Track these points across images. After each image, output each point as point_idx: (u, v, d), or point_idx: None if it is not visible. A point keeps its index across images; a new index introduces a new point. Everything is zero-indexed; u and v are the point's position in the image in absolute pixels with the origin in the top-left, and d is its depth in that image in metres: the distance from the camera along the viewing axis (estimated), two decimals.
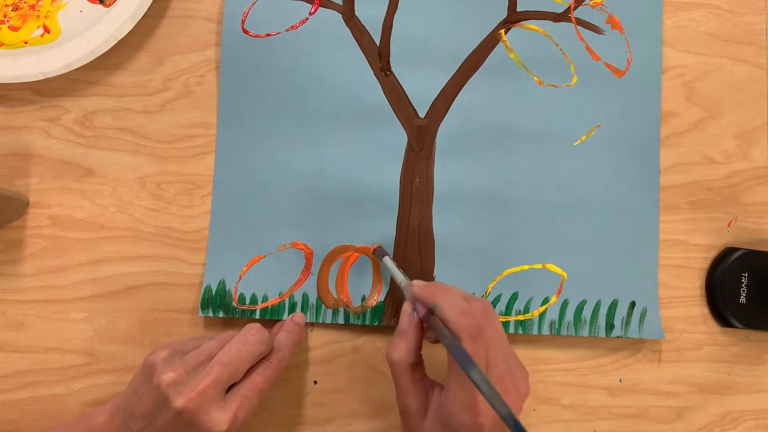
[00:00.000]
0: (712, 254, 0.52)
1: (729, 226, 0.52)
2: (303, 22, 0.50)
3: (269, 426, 0.49)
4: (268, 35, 0.50)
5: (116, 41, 0.48)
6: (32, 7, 0.49)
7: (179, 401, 0.38)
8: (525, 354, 0.50)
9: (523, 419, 0.50)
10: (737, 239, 0.52)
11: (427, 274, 0.49)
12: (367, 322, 0.49)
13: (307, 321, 0.48)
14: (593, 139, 0.51)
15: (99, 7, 0.49)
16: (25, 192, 0.49)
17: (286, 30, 0.50)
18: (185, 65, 0.50)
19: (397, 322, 0.43)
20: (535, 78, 0.51)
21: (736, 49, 0.53)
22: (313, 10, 0.50)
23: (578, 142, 0.51)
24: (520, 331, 0.49)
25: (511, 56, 0.51)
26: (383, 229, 0.49)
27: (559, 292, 0.50)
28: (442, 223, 0.50)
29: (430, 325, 0.40)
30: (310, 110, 0.50)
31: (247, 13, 0.50)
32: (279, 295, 0.49)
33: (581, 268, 0.50)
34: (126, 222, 0.49)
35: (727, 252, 0.51)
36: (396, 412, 0.44)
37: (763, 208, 0.52)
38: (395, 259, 0.49)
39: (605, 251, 0.50)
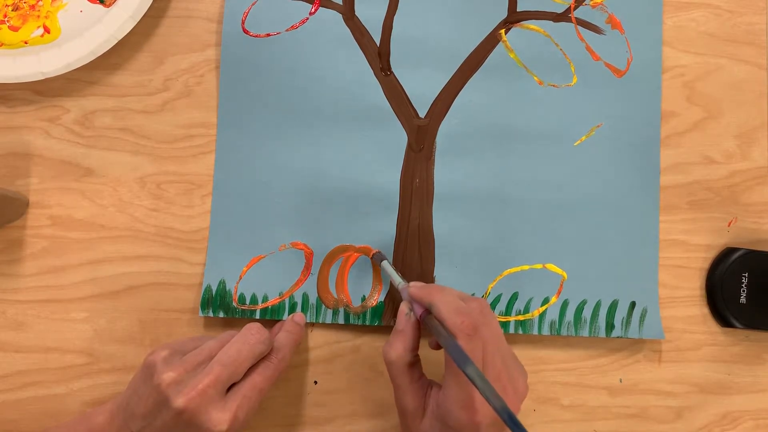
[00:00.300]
0: (712, 254, 0.52)
1: (729, 226, 0.52)
2: (303, 22, 0.50)
3: (269, 426, 0.49)
4: (268, 35, 0.50)
5: (116, 41, 0.48)
6: (32, 7, 0.49)
7: (179, 401, 0.38)
8: (525, 354, 0.50)
9: (523, 419, 0.50)
10: (737, 239, 0.52)
11: (427, 274, 0.49)
12: (367, 322, 0.49)
13: (307, 321, 0.48)
14: (593, 139, 0.51)
15: (99, 7, 0.49)
16: (25, 192, 0.49)
17: (286, 30, 0.50)
18: (185, 65, 0.50)
19: None
20: (535, 78, 0.51)
21: (736, 49, 0.53)
22: (313, 10, 0.50)
23: (578, 142, 0.51)
24: (520, 331, 0.49)
25: (511, 56, 0.51)
26: (383, 229, 0.49)
27: (559, 292, 0.50)
28: (442, 223, 0.50)
29: (427, 324, 0.40)
30: (310, 110, 0.50)
31: (247, 13, 0.50)
32: (279, 295, 0.49)
33: (581, 268, 0.50)
34: (126, 222, 0.49)
35: (727, 252, 0.51)
36: (396, 412, 0.44)
37: (763, 208, 0.52)
38: (395, 258, 0.49)
39: (605, 251, 0.50)
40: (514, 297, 0.50)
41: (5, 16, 0.49)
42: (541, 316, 0.50)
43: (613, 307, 0.50)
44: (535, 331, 0.49)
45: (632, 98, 0.51)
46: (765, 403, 0.51)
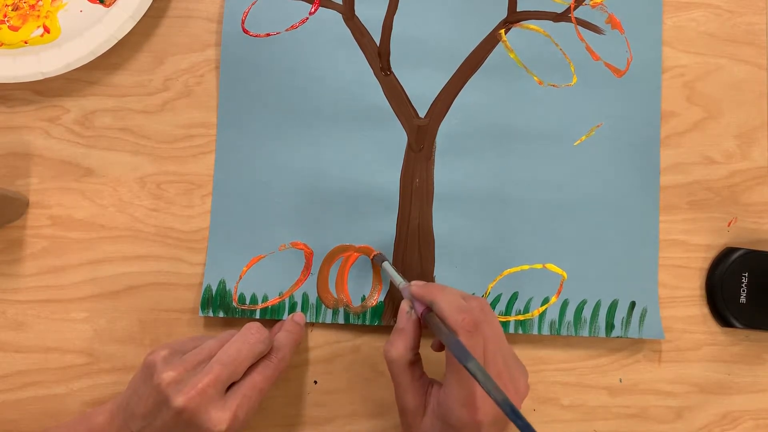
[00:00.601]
0: (712, 254, 0.52)
1: (729, 226, 0.52)
2: (303, 22, 0.50)
3: (269, 426, 0.49)
4: (268, 35, 0.50)
5: (116, 41, 0.48)
6: (32, 7, 0.49)
7: (179, 400, 0.38)
8: (525, 354, 0.50)
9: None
10: (737, 239, 0.52)
11: (427, 274, 0.49)
12: (367, 322, 0.49)
13: (307, 321, 0.48)
14: (593, 139, 0.51)
15: (99, 7, 0.49)
16: (25, 192, 0.49)
17: (286, 30, 0.50)
18: (185, 65, 0.50)
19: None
20: (535, 78, 0.51)
21: (736, 49, 0.53)
22: (313, 10, 0.50)
23: (578, 142, 0.51)
24: (520, 331, 0.49)
25: (511, 56, 0.51)
26: (383, 229, 0.49)
27: (559, 292, 0.50)
28: (442, 223, 0.50)
29: (428, 322, 0.40)
30: (310, 110, 0.50)
31: (247, 13, 0.50)
32: (279, 295, 0.49)
33: (581, 268, 0.50)
34: (126, 222, 0.49)
35: (727, 252, 0.51)
36: (396, 411, 0.44)
37: (763, 208, 0.52)
38: (395, 258, 0.49)
39: (605, 251, 0.50)
40: (514, 297, 0.50)
41: (5, 16, 0.49)
42: (541, 316, 0.50)
43: (613, 307, 0.50)
44: (535, 331, 0.49)
45: (632, 98, 0.51)
46: (765, 403, 0.51)
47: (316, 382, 0.49)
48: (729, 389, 0.51)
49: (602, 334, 0.50)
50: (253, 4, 0.50)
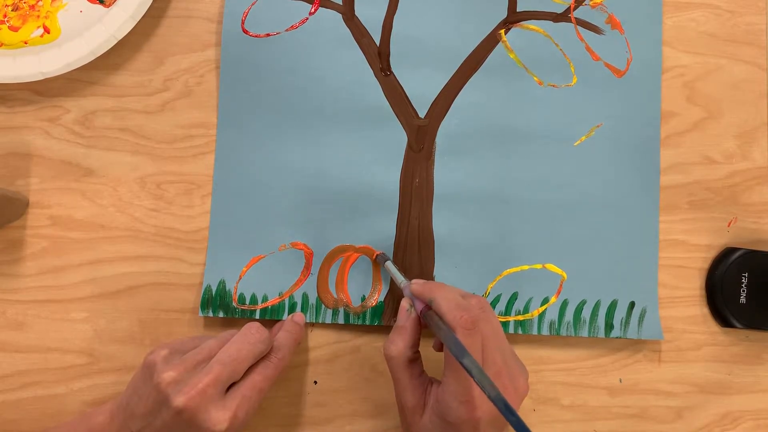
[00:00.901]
0: (712, 254, 0.52)
1: (729, 226, 0.52)
2: (303, 22, 0.50)
3: (269, 426, 0.49)
4: (268, 35, 0.50)
5: (116, 41, 0.48)
6: (32, 7, 0.49)
7: (179, 400, 0.38)
8: (525, 354, 0.50)
9: (523, 419, 0.49)
10: (737, 239, 0.52)
11: (427, 274, 0.49)
12: (367, 322, 0.49)
13: (307, 321, 0.48)
14: (593, 139, 0.51)
15: (99, 7, 0.49)
16: (25, 192, 0.49)
17: (286, 30, 0.50)
18: (185, 65, 0.50)
19: None
20: (535, 78, 0.51)
21: (736, 49, 0.53)
22: (313, 10, 0.50)
23: (578, 142, 0.51)
24: (520, 331, 0.49)
25: (511, 56, 0.51)
26: (383, 229, 0.49)
27: (559, 292, 0.50)
28: (442, 223, 0.50)
29: (427, 319, 0.40)
30: (310, 110, 0.50)
31: (247, 13, 0.50)
32: (279, 295, 0.49)
33: (581, 268, 0.50)
34: (126, 222, 0.49)
35: (727, 252, 0.51)
36: (396, 411, 0.44)
37: (763, 208, 0.52)
38: (395, 259, 0.49)
39: (605, 251, 0.50)
40: (514, 297, 0.50)
41: (5, 16, 0.49)
42: (541, 316, 0.50)
43: (612, 307, 0.50)
44: (535, 331, 0.49)
45: (632, 98, 0.51)
46: (765, 403, 0.51)
47: (316, 382, 0.49)
48: (729, 389, 0.51)
49: (601, 334, 0.50)
50: (253, 4, 0.50)
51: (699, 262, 0.51)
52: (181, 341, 0.42)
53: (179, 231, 0.49)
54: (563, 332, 0.49)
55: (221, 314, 0.48)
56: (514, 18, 0.51)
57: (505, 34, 0.51)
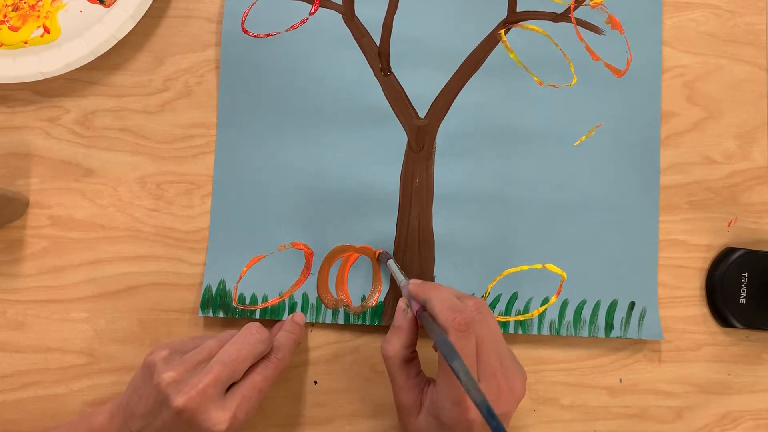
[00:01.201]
0: (712, 254, 0.52)
1: (729, 226, 0.52)
2: (303, 22, 0.50)
3: (269, 426, 0.49)
4: (268, 35, 0.50)
5: (116, 41, 0.48)
6: (32, 7, 0.49)
7: (179, 400, 0.38)
8: (525, 354, 0.50)
9: (523, 419, 0.50)
10: (737, 239, 0.52)
11: (426, 275, 0.49)
12: (367, 322, 0.49)
13: (307, 321, 0.48)
14: (593, 139, 0.51)
15: (99, 7, 0.49)
16: (25, 192, 0.49)
17: (286, 30, 0.50)
18: (185, 65, 0.50)
19: None
20: (535, 78, 0.51)
21: (736, 49, 0.53)
22: (313, 10, 0.50)
23: (578, 142, 0.51)
24: (520, 331, 0.49)
25: (511, 56, 0.51)
26: (383, 229, 0.49)
27: (559, 292, 0.50)
28: (442, 223, 0.50)
29: (422, 320, 0.40)
30: (310, 110, 0.50)
31: (247, 13, 0.50)
32: (279, 295, 0.49)
33: (581, 268, 0.50)
34: (126, 222, 0.49)
35: (727, 252, 0.51)
36: (396, 411, 0.44)
37: (763, 208, 0.52)
38: (395, 259, 0.49)
39: (605, 251, 0.50)
40: (514, 297, 0.50)
41: (5, 16, 0.49)
42: (541, 316, 0.50)
43: (612, 307, 0.50)
44: (535, 331, 0.49)
45: (632, 98, 0.51)
46: (765, 403, 0.51)
47: (316, 382, 0.49)
48: (729, 389, 0.51)
49: (601, 334, 0.50)
50: (253, 4, 0.50)
51: (699, 262, 0.51)
52: (181, 341, 0.42)
53: (179, 231, 0.49)
54: (563, 332, 0.49)
55: (221, 314, 0.48)
56: (514, 18, 0.51)
57: (505, 34, 0.51)
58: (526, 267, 0.50)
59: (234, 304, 0.48)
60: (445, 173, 0.50)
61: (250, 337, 0.42)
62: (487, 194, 0.50)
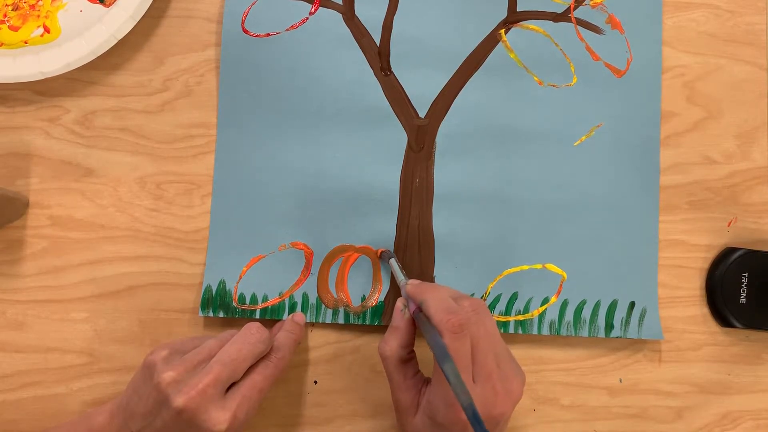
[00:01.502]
0: (712, 254, 0.52)
1: (729, 226, 0.52)
2: (303, 22, 0.50)
3: (269, 426, 0.49)
4: (268, 35, 0.50)
5: (116, 41, 0.48)
6: (32, 7, 0.49)
7: (179, 400, 0.38)
8: (525, 354, 0.50)
9: (523, 419, 0.50)
10: (737, 239, 0.52)
11: (426, 275, 0.49)
12: (367, 322, 0.49)
13: (307, 321, 0.48)
14: (593, 139, 0.51)
15: (99, 7, 0.49)
16: (25, 192, 0.49)
17: (286, 30, 0.50)
18: (185, 65, 0.50)
19: None
20: (535, 78, 0.51)
21: (736, 49, 0.53)
22: (313, 10, 0.50)
23: (578, 142, 0.51)
24: (520, 331, 0.49)
25: (511, 56, 0.51)
26: (383, 229, 0.49)
27: (559, 292, 0.50)
28: (442, 223, 0.50)
29: (417, 321, 0.40)
30: (310, 110, 0.50)
31: (247, 13, 0.50)
32: (279, 295, 0.49)
33: (581, 268, 0.50)
34: (126, 222, 0.49)
35: (727, 252, 0.51)
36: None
37: (763, 208, 0.52)
38: (397, 258, 0.49)
39: (605, 251, 0.50)
40: (514, 297, 0.50)
41: (5, 16, 0.49)
42: (541, 316, 0.50)
43: (612, 307, 0.50)
44: (535, 331, 0.49)
45: (632, 98, 0.51)
46: (765, 403, 0.51)
47: (316, 382, 0.49)
48: (729, 389, 0.51)
49: (601, 334, 0.50)
50: (253, 4, 0.50)
51: (699, 262, 0.51)
52: (182, 341, 0.42)
53: (179, 231, 0.49)
54: (563, 332, 0.49)
55: (221, 314, 0.48)
56: (514, 18, 0.51)
57: (505, 34, 0.51)
58: (526, 267, 0.50)
59: (234, 304, 0.48)
60: (445, 173, 0.50)
61: (250, 336, 0.42)
62: (487, 194, 0.50)
